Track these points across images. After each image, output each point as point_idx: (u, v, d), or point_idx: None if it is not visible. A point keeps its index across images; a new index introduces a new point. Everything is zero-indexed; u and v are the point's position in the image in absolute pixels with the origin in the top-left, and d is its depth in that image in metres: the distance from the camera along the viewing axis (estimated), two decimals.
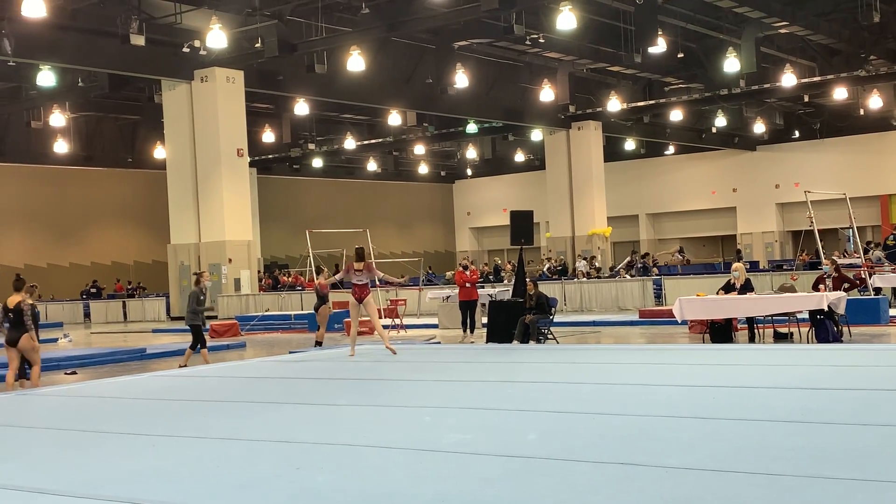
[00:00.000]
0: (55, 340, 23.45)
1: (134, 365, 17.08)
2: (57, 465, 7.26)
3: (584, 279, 29.21)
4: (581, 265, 33.73)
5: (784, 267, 31.78)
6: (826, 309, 14.61)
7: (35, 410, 10.90)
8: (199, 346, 15.23)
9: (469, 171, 54.64)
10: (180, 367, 15.14)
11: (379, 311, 24.11)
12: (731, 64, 29.73)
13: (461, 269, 19.54)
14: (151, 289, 38.94)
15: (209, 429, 8.47)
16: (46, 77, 28.17)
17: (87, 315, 34.84)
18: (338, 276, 15.24)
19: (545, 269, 34.34)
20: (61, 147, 37.98)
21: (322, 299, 18.75)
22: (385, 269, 34.85)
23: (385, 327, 22.41)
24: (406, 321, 23.14)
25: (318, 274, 20.45)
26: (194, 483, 6.33)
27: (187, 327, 15.82)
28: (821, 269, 18.01)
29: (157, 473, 6.70)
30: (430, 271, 41.34)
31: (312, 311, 23.97)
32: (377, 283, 23.22)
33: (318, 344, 18.10)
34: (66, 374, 15.86)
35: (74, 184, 41.06)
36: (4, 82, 33.07)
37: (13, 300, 12.46)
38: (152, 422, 9.20)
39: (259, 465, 6.76)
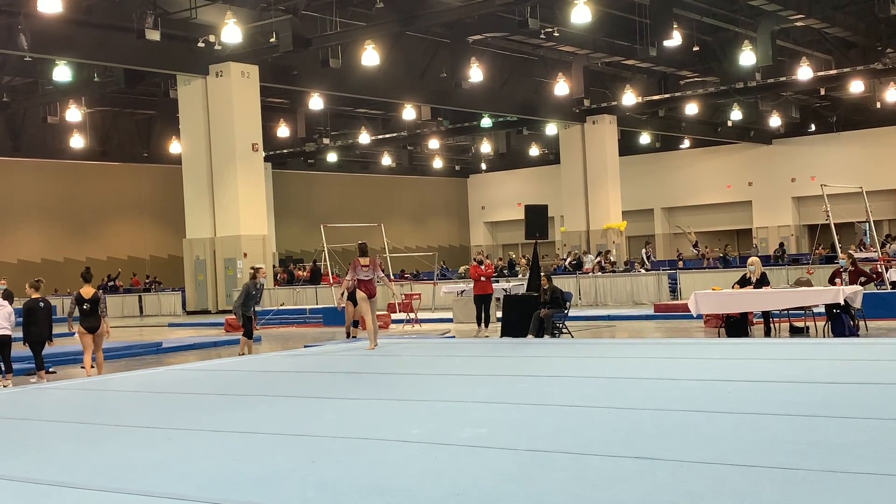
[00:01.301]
0: (72, 335, 23.49)
1: (150, 359, 17.18)
2: (74, 458, 7.29)
3: (600, 273, 29.15)
4: (587, 260, 33.51)
5: (801, 261, 31.65)
6: (842, 303, 14.54)
7: (52, 404, 10.97)
8: (252, 333, 15.49)
9: (483, 166, 54.61)
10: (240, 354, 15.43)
11: (391, 305, 24.26)
12: (747, 57, 29.61)
13: (476, 263, 19.52)
14: (167, 283, 39.09)
15: (225, 422, 8.49)
16: (62, 72, 28.27)
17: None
18: (349, 278, 15.25)
19: (567, 263, 34.28)
20: (77, 142, 38.12)
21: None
22: (400, 263, 34.86)
23: (399, 321, 22.55)
24: (420, 315, 23.15)
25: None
26: (210, 476, 6.35)
27: (201, 322, 15.92)
28: (837, 262, 17.92)
29: (173, 467, 6.72)
30: (444, 266, 41.37)
31: (326, 306, 24.09)
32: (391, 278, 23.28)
33: (348, 335, 18.19)
34: (82, 367, 15.93)
35: (90, 179, 41.27)
36: (21, 77, 33.23)
37: (89, 291, 13.35)
38: (168, 415, 9.24)
39: (275, 459, 6.78)
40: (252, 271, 15.81)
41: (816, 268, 22.99)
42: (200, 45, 27.42)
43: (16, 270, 35.56)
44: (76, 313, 13.51)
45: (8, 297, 13.83)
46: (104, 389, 11.92)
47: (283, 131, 39.19)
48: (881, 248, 24.10)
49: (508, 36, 31.28)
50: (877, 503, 5.04)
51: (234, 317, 17.05)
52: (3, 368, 13.58)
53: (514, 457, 6.50)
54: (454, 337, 18.43)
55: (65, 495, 6.10)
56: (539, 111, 38.76)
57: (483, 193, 56.43)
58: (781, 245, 38.97)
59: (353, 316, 18.20)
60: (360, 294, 14.83)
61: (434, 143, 45.43)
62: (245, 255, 29.87)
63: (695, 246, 38.56)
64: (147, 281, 39.24)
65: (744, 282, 15.77)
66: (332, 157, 46.09)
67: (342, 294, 17.15)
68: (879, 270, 19.47)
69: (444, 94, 34.35)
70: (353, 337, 18.14)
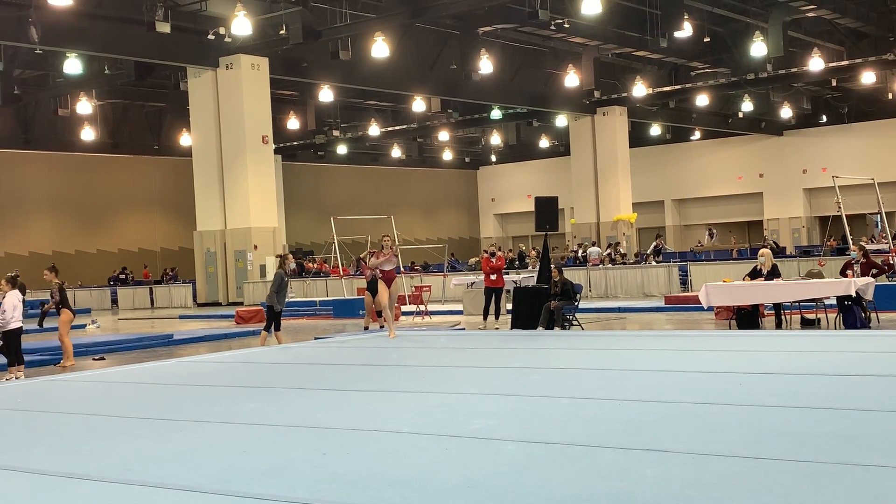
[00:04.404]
0: (83, 326, 23.65)
1: (161, 351, 17.20)
2: (86, 449, 7.32)
3: (610, 265, 29.10)
4: (592, 252, 33.31)
5: (812, 253, 31.55)
6: (854, 295, 14.49)
7: (64, 396, 11.01)
8: (271, 328, 15.38)
9: (493, 158, 54.55)
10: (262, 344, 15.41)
11: (402, 297, 24.27)
12: (758, 48, 29.50)
13: (487, 255, 19.49)
14: (178, 275, 39.19)
15: (236, 414, 8.51)
16: (73, 65, 28.33)
17: (114, 301, 35.14)
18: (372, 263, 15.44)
19: (580, 255, 34.17)
20: (88, 134, 38.25)
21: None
22: (410, 255, 34.82)
23: (409, 313, 22.55)
24: (430, 307, 23.15)
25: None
26: (222, 468, 6.37)
27: (212, 314, 15.93)
28: (848, 254, 17.85)
29: (184, 458, 6.75)
30: (454, 258, 41.32)
31: (338, 298, 24.11)
32: (401, 269, 23.30)
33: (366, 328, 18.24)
34: (94, 359, 16.00)
35: (101, 171, 41.37)
36: (32, 70, 33.31)
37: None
38: (180, 407, 9.27)
39: (286, 451, 6.80)
40: (279, 258, 15.88)
41: (828, 259, 22.90)
42: (210, 37, 27.42)
43: (27, 263, 35.69)
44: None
45: (21, 289, 13.87)
46: (115, 381, 11.96)
47: (293, 123, 39.20)
48: (893, 240, 23.98)
49: (518, 27, 31.22)
50: (889, 496, 5.02)
51: (248, 308, 17.00)
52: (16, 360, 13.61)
53: (524, 448, 6.50)
54: (464, 329, 18.43)
55: (77, 487, 6.12)
56: (549, 103, 38.68)
57: (493, 185, 56.38)
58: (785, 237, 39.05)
59: (374, 306, 18.22)
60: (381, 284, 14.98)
61: (444, 135, 45.40)
62: (255, 247, 29.94)
63: (709, 233, 38.59)
64: (168, 274, 39.22)
65: (755, 274, 15.73)
66: (342, 149, 46.09)
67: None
68: (891, 262, 19.37)
69: (453, 86, 34.30)
70: (366, 328, 18.19)
